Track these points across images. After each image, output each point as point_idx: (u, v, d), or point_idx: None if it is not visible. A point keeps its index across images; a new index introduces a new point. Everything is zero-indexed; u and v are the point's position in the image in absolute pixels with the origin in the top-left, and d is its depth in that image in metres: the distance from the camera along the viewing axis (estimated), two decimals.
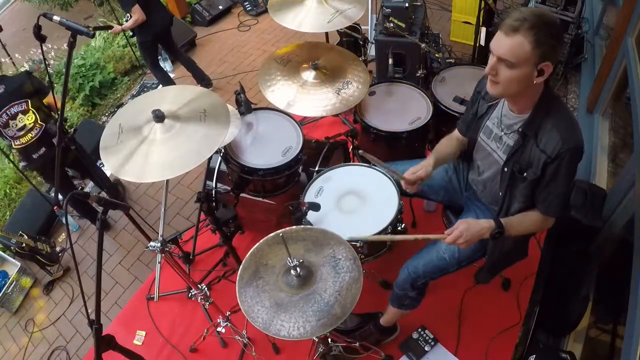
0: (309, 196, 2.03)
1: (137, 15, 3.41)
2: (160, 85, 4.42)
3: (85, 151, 2.83)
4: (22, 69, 4.88)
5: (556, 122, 1.43)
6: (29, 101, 2.66)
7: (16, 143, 2.67)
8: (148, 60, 3.95)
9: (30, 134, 2.66)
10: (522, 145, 1.51)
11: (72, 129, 2.86)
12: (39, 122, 2.70)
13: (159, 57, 4.65)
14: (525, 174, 1.53)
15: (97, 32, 5.32)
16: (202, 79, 4.19)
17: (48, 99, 2.78)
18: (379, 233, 1.83)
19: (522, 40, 1.30)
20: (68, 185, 3.09)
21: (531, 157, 1.49)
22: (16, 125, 2.62)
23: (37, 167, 2.83)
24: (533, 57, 1.32)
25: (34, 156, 2.73)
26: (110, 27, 3.59)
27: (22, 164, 2.84)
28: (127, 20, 3.53)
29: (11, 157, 3.28)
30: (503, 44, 1.33)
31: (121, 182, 3.54)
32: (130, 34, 3.76)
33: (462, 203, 2.04)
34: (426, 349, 2.25)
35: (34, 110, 2.68)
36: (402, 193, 1.95)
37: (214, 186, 2.43)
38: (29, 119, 2.65)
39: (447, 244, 1.57)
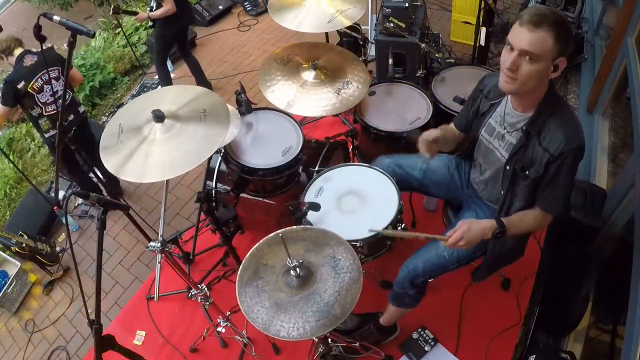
0: (309, 196, 2.03)
1: (169, 5, 3.31)
2: (160, 85, 4.42)
3: (89, 147, 2.86)
4: None
5: (560, 122, 1.45)
6: (60, 69, 2.81)
7: (48, 109, 2.79)
8: (160, 56, 3.84)
9: (61, 100, 2.74)
10: (525, 143, 1.52)
11: (73, 129, 2.88)
12: (68, 89, 2.82)
13: None
14: (527, 172, 1.54)
15: (98, 32, 5.32)
16: (202, 83, 4.15)
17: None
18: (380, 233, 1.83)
19: (545, 34, 1.32)
20: (75, 167, 3.15)
21: (534, 156, 1.51)
22: (50, 90, 2.76)
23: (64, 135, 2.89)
24: (553, 52, 1.34)
25: (65, 122, 2.83)
26: (136, 13, 3.51)
27: (48, 134, 2.90)
28: (151, 10, 3.43)
29: (11, 157, 3.28)
30: (526, 37, 1.34)
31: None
32: (150, 24, 3.61)
33: (462, 200, 2.04)
34: (426, 349, 2.24)
35: (64, 78, 2.78)
36: (405, 188, 1.95)
37: (214, 186, 2.43)
38: (61, 85, 2.78)
39: (448, 246, 1.57)
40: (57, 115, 2.78)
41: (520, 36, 1.35)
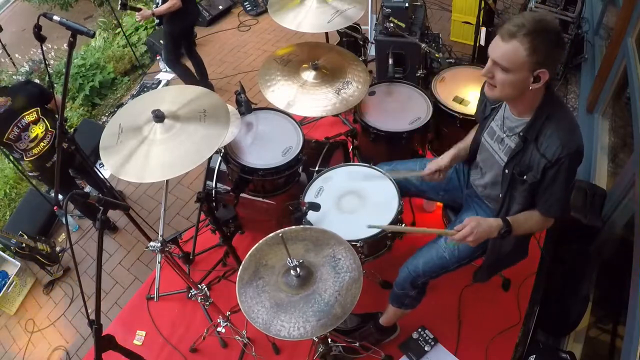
0: (309, 196, 2.03)
1: (174, 0, 3.22)
2: (161, 85, 4.42)
3: (84, 152, 2.83)
4: (22, 69, 4.88)
5: (556, 127, 1.44)
6: (38, 110, 2.62)
7: (28, 155, 2.62)
8: (172, 55, 3.74)
9: (42, 143, 2.64)
10: (522, 148, 1.52)
11: (72, 129, 2.86)
12: (49, 129, 2.67)
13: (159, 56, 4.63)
14: (525, 177, 1.54)
15: (98, 32, 5.32)
16: (203, 83, 4.12)
17: (51, 103, 2.73)
18: (380, 232, 1.83)
19: (517, 46, 1.31)
20: (71, 186, 3.06)
21: (531, 161, 1.50)
22: (28, 136, 2.57)
23: (49, 176, 2.76)
24: (528, 64, 1.32)
25: (47, 165, 2.71)
26: (139, 10, 3.42)
27: (32, 173, 2.79)
28: (157, 6, 3.34)
29: (11, 158, 3.27)
30: (498, 48, 1.35)
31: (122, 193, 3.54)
32: (157, 21, 3.52)
33: (461, 201, 2.04)
34: (426, 349, 2.25)
35: (44, 118, 2.65)
36: (402, 193, 1.95)
37: (214, 186, 2.43)
38: (40, 128, 2.61)
39: (456, 241, 1.56)
40: (40, 159, 2.64)
41: (494, 46, 1.36)
